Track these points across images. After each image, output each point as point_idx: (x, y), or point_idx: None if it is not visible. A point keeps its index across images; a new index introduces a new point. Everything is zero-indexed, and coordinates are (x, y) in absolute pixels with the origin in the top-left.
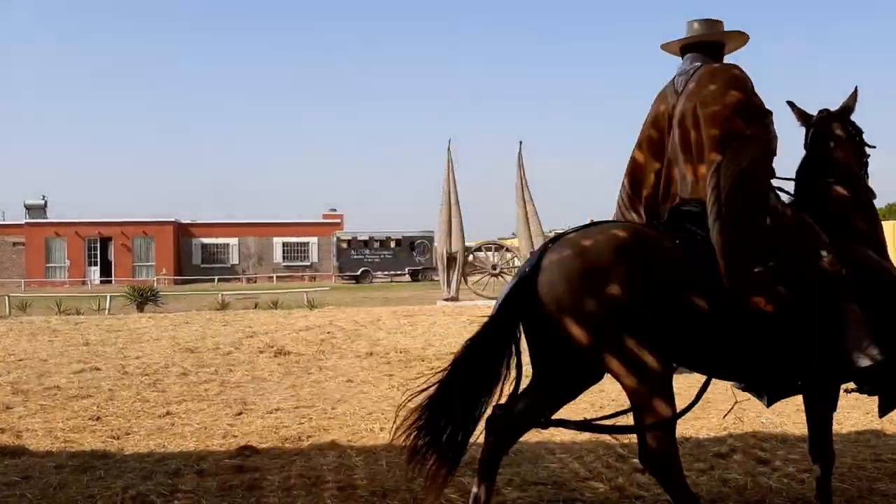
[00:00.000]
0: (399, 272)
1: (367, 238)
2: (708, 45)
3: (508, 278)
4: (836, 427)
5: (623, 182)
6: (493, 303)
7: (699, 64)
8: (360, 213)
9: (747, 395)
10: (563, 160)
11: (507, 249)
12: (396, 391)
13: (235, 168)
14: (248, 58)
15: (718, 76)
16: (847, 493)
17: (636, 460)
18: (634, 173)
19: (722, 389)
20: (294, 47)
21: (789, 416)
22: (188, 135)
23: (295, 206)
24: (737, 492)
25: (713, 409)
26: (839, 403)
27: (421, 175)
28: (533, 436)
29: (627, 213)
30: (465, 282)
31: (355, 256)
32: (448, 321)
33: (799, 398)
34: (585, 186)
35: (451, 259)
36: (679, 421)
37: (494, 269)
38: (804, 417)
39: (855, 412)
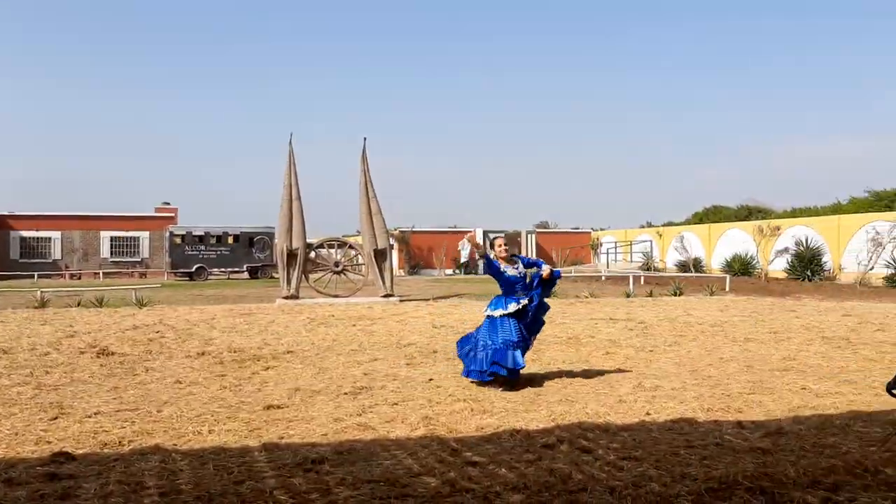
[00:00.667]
0: (237, 269)
1: (202, 233)
2: None
3: (353, 276)
4: (653, 417)
5: None
6: (335, 301)
7: None
8: (196, 209)
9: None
10: (408, 158)
11: (351, 247)
12: (228, 392)
13: (60, 158)
14: (78, 42)
15: None
16: (661, 478)
17: (469, 453)
18: None
19: (554, 384)
20: (134, 32)
21: (612, 406)
22: (7, 120)
23: (126, 199)
24: (562, 481)
25: (543, 402)
26: (652, 395)
27: (262, 170)
28: (368, 433)
29: None
30: (307, 279)
31: (190, 252)
32: (287, 320)
33: (615, 389)
34: (430, 185)
35: (291, 256)
36: (510, 413)
37: (337, 266)
38: (626, 408)
39: (670, 402)
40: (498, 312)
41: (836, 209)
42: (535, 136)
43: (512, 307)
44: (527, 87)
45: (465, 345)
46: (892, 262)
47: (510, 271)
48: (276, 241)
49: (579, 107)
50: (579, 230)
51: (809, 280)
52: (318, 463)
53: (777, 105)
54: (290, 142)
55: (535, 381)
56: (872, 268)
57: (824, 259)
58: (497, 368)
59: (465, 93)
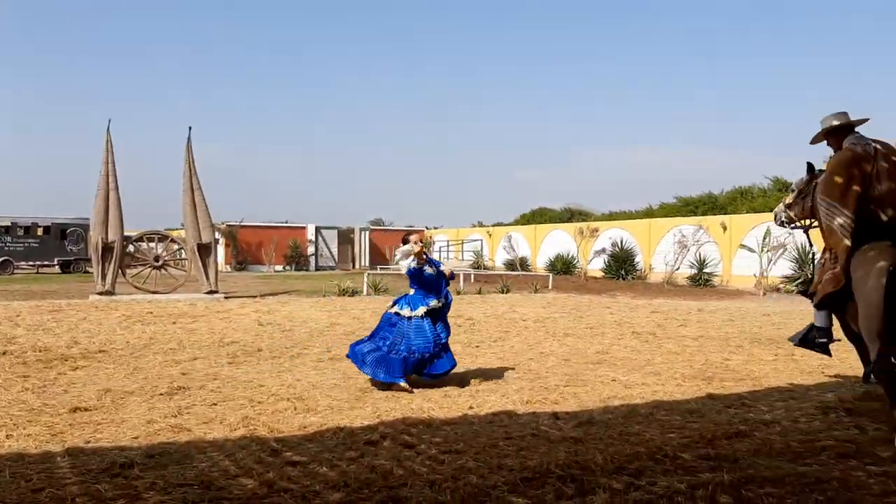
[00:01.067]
0: (47, 263)
1: (8, 224)
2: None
3: (174, 271)
4: (475, 410)
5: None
6: (154, 297)
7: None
8: (2, 198)
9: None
10: (236, 149)
11: (173, 241)
12: (31, 394)
13: None
14: None
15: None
16: (480, 470)
17: (290, 453)
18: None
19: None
20: None
21: (437, 401)
22: None
23: None
24: (382, 477)
25: (369, 399)
26: (476, 389)
27: (77, 161)
28: (183, 435)
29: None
30: (123, 275)
31: None
32: (100, 317)
33: (440, 384)
34: (260, 178)
35: (107, 249)
36: (335, 412)
37: (157, 261)
38: (451, 403)
39: (492, 395)
40: (420, 311)
41: (648, 213)
42: (367, 133)
43: (433, 303)
44: (362, 82)
45: (373, 345)
46: (696, 263)
47: (428, 269)
48: (91, 233)
49: (411, 105)
50: (413, 228)
51: (623, 279)
52: (127, 467)
53: (597, 114)
54: (108, 129)
55: (363, 378)
56: (678, 268)
57: (637, 259)
58: (426, 377)
59: (298, 85)
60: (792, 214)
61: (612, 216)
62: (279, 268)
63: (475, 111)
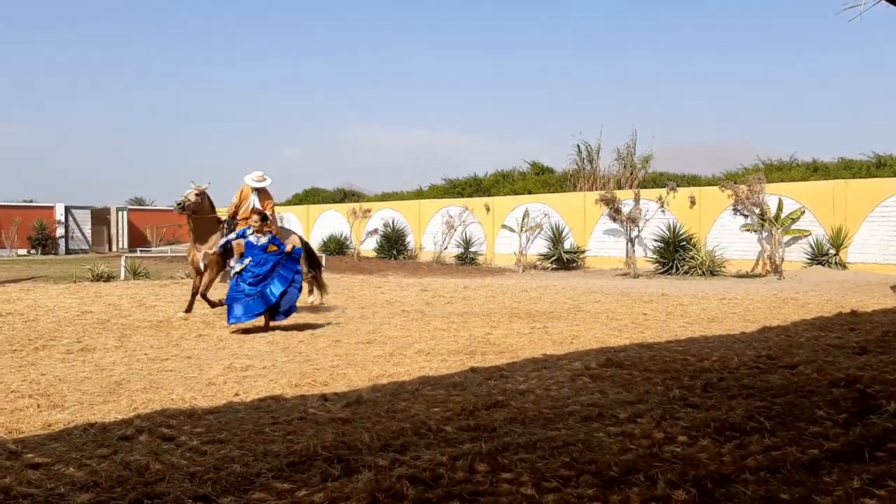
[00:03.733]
0: None
1: None
2: None
3: None
4: (241, 396)
5: None
6: None
7: None
8: None
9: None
10: None
11: None
12: None
13: None
14: None
15: None
16: (244, 458)
17: (31, 455)
18: None
19: (139, 370)
20: None
21: (201, 390)
22: None
23: None
24: (138, 473)
25: (125, 391)
26: (243, 374)
27: None
28: None
29: None
30: None
31: None
32: None
33: (205, 372)
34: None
35: None
36: (86, 407)
37: None
38: (215, 391)
39: (260, 381)
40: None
41: (419, 194)
42: (130, 106)
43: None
44: (117, 52)
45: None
46: (462, 243)
47: (252, 239)
48: None
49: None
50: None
51: (395, 258)
52: None
53: (368, 95)
54: None
55: (118, 369)
56: (446, 247)
57: (408, 239)
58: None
59: (46, 51)
60: None
61: (384, 197)
62: (23, 252)
63: (245, 84)
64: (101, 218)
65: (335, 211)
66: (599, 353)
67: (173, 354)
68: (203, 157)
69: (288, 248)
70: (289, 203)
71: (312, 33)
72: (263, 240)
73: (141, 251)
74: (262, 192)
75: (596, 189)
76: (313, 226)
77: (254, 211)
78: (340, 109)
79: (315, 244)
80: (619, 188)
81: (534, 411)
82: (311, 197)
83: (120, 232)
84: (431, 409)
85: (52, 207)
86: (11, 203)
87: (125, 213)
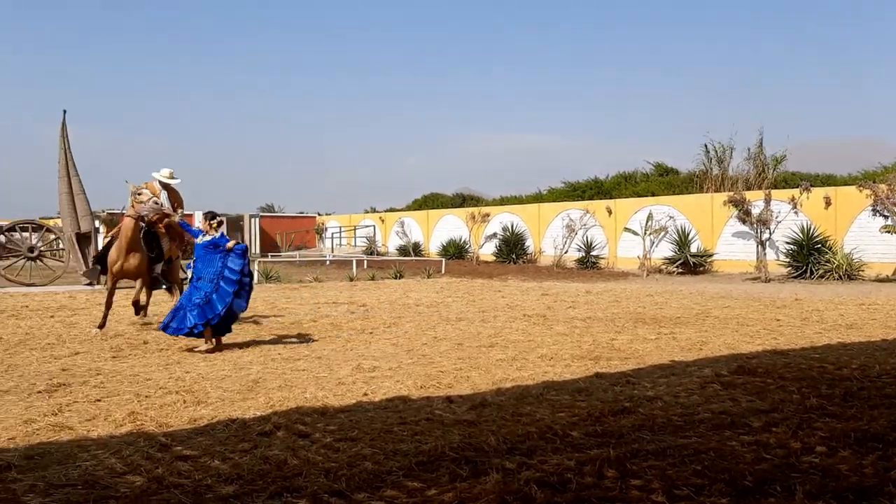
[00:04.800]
0: None
1: None
2: None
3: (51, 262)
4: (370, 396)
5: None
6: (30, 290)
7: None
8: None
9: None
10: (116, 133)
11: (49, 230)
12: None
13: None
14: None
15: None
16: (375, 456)
17: (180, 448)
18: None
19: (274, 370)
20: None
21: (331, 389)
22: None
23: None
24: (277, 467)
25: (262, 389)
26: (370, 375)
27: None
28: (64, 434)
29: None
30: None
31: None
32: None
33: (335, 372)
34: (142, 163)
35: None
36: (227, 403)
37: (32, 251)
38: (345, 390)
39: (387, 381)
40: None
41: (538, 198)
42: (260, 119)
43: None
44: (249, 68)
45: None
46: (583, 246)
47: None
48: None
49: (298, 91)
50: (305, 214)
51: (514, 262)
52: (4, 470)
53: (486, 101)
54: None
55: (255, 368)
56: (567, 251)
57: (527, 243)
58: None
59: (183, 68)
60: None
61: (503, 201)
62: None
63: (367, 96)
64: (235, 225)
65: (454, 215)
66: (730, 359)
67: (304, 355)
68: (326, 166)
69: (230, 244)
70: (408, 208)
71: (428, 44)
72: (206, 238)
73: (272, 256)
74: (171, 191)
75: (724, 190)
76: (433, 230)
77: (205, 216)
78: (458, 117)
79: (434, 248)
80: (747, 189)
81: (662, 418)
82: (431, 202)
83: (252, 237)
84: (557, 414)
85: (191, 216)
86: None
87: (257, 220)
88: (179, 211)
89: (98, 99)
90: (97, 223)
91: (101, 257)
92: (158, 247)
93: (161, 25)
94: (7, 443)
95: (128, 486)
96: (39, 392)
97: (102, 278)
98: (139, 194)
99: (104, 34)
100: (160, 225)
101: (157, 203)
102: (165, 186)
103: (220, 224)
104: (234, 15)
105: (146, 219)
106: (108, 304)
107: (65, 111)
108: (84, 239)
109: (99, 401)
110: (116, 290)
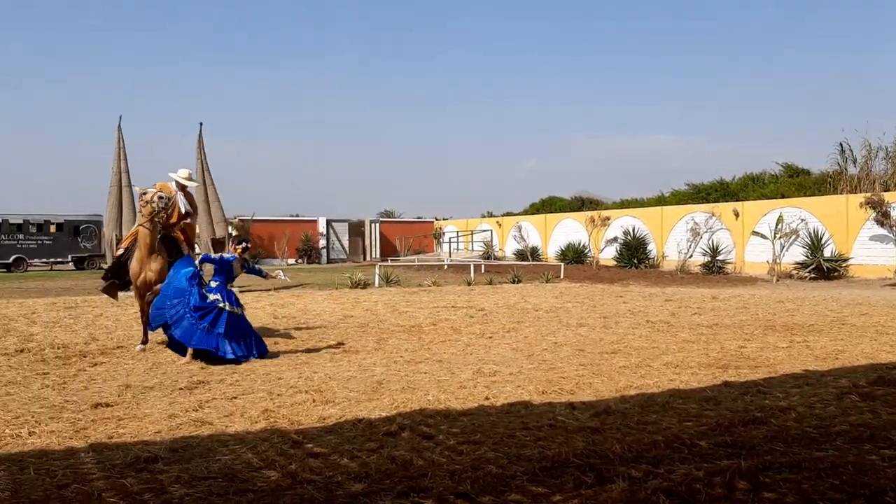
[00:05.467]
0: (61, 260)
1: (20, 221)
2: None
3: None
4: (491, 401)
5: None
6: None
7: None
8: (15, 196)
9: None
10: (245, 143)
11: None
12: (51, 391)
13: None
14: None
15: None
16: (499, 460)
17: (311, 445)
18: None
19: (396, 372)
20: None
21: (453, 392)
22: None
23: None
24: (403, 467)
25: (386, 391)
26: (491, 380)
27: (90, 154)
28: (205, 429)
29: None
30: None
31: (6, 242)
32: (117, 313)
33: (456, 375)
34: (269, 172)
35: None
36: (353, 403)
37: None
38: (467, 394)
39: (508, 386)
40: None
41: (660, 201)
42: (377, 124)
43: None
44: (369, 76)
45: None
46: (709, 251)
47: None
48: (105, 229)
49: (417, 96)
50: (422, 220)
51: (636, 267)
52: (151, 461)
53: (605, 102)
54: (119, 126)
55: (378, 370)
56: (691, 255)
57: (649, 248)
58: None
59: (306, 78)
60: None
61: (623, 204)
62: (291, 261)
63: (483, 99)
64: (356, 230)
65: (572, 219)
66: (869, 369)
67: (426, 358)
68: (444, 170)
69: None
70: (525, 212)
71: (544, 43)
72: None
73: (391, 260)
74: (187, 195)
75: (860, 191)
76: (551, 234)
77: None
78: (576, 118)
79: (552, 253)
80: (885, 190)
81: (796, 430)
82: (548, 206)
83: (373, 242)
84: (684, 423)
85: (315, 221)
86: (281, 218)
87: (377, 225)
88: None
89: (223, 110)
90: (230, 229)
91: (116, 270)
92: (178, 252)
93: (280, 37)
94: (154, 436)
95: (264, 481)
96: (181, 389)
97: (120, 294)
98: (143, 194)
99: (221, 50)
100: (176, 229)
101: (162, 197)
102: (182, 188)
103: (244, 249)
104: (348, 27)
105: (161, 216)
106: (145, 318)
107: (201, 123)
108: (218, 244)
109: (235, 398)
110: (261, 292)
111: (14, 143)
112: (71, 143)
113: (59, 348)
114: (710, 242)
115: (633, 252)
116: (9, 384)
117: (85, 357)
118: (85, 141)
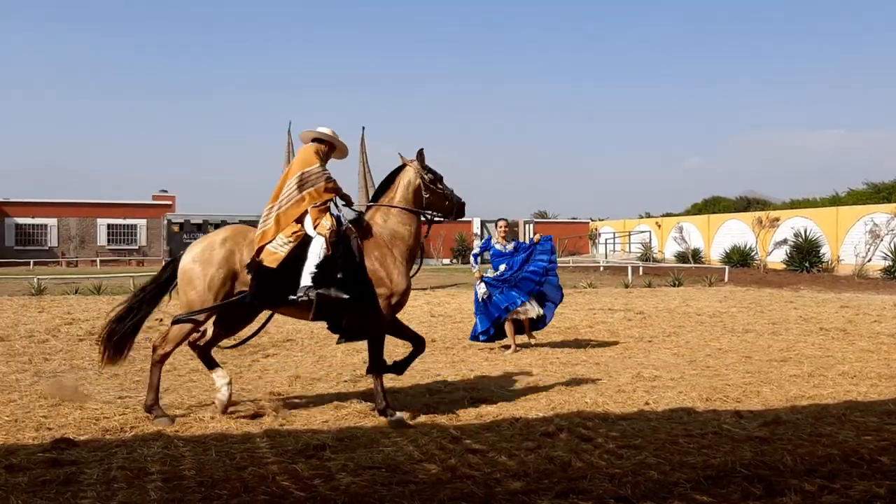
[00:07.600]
0: None
1: (200, 221)
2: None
3: None
4: (652, 406)
5: None
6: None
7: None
8: (195, 196)
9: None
10: (403, 147)
11: None
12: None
13: (58, 146)
14: (75, 32)
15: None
16: (661, 466)
17: (469, 441)
18: None
19: (553, 373)
20: (118, 23)
21: (611, 396)
22: (5, 108)
23: (124, 186)
24: (561, 468)
25: (542, 392)
26: (651, 384)
27: (265, 156)
28: (368, 420)
29: None
30: None
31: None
32: None
33: (614, 379)
34: None
35: None
36: (510, 402)
37: None
38: (625, 398)
39: (669, 392)
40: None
41: (835, 201)
42: (531, 126)
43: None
44: (522, 77)
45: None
46: (890, 254)
47: (497, 246)
48: None
49: (572, 94)
50: (577, 220)
51: (808, 271)
52: (320, 449)
53: (774, 96)
54: (289, 130)
55: (534, 370)
56: (870, 259)
57: (822, 251)
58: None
59: (462, 81)
60: None
61: (793, 204)
62: (447, 261)
63: (639, 96)
64: (511, 229)
65: (738, 220)
66: None
67: (583, 360)
68: (603, 172)
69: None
70: (687, 213)
71: (704, 38)
72: (509, 247)
73: None
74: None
75: None
76: (714, 236)
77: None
78: (742, 113)
79: (716, 255)
80: None
81: None
82: (712, 206)
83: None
84: (862, 437)
85: (469, 222)
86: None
87: (531, 225)
88: None
89: (388, 119)
90: None
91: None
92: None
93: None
94: (322, 425)
95: (425, 473)
96: (346, 381)
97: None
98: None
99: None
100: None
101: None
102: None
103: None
104: (505, 22)
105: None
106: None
107: (363, 128)
108: None
109: (395, 393)
110: (417, 291)
111: (202, 146)
112: (247, 144)
113: (233, 339)
114: (892, 245)
115: (805, 255)
116: (192, 371)
117: (258, 349)
118: (261, 141)
